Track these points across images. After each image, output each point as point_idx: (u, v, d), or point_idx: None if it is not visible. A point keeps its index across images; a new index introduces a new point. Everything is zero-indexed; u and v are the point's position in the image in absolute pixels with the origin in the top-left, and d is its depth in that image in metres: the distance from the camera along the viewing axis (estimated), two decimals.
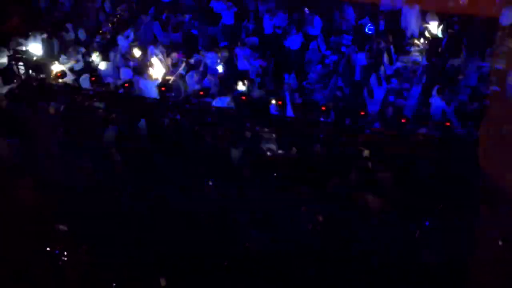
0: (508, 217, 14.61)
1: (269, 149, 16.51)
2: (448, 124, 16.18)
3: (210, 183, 16.15)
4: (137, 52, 19.31)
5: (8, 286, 14.39)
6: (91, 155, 16.63)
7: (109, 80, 18.35)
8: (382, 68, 19.07)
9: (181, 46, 20.23)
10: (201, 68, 18.97)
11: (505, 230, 14.31)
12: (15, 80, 18.27)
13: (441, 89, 17.25)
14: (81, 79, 18.39)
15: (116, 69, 18.92)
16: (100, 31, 20.64)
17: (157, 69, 18.68)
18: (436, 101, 17.28)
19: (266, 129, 16.59)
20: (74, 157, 16.67)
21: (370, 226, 14.82)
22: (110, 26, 20.87)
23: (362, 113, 16.79)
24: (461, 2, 20.56)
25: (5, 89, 17.88)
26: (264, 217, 15.25)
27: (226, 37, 20.68)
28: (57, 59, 18.93)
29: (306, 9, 20.67)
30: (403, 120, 16.59)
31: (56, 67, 18.39)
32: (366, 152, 16.07)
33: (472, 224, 14.61)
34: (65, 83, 18.04)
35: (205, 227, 15.13)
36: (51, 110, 17.33)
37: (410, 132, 16.54)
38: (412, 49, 19.83)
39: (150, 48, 19.30)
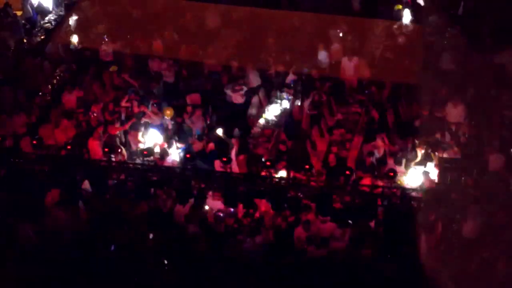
0: None
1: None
2: (391, 174, 16.37)
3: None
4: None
5: None
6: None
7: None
8: (323, 119, 19.28)
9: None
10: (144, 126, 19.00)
11: None
12: None
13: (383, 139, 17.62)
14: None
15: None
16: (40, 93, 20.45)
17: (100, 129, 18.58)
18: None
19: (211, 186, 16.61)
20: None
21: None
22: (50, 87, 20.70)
23: (307, 166, 16.89)
24: None
25: None
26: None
27: (168, 95, 20.67)
28: None
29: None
30: (347, 172, 16.76)
31: None
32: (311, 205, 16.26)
33: None
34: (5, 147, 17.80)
35: None
36: None
37: (354, 183, 16.74)
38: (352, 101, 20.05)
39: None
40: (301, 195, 16.24)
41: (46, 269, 15.53)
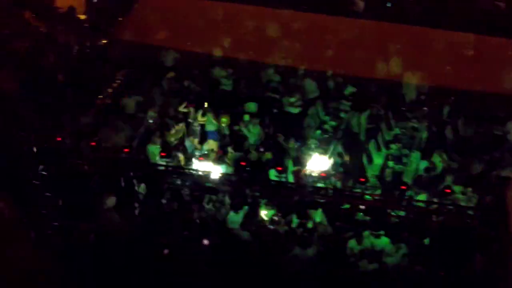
0: None
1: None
2: (448, 191, 16.18)
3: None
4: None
5: None
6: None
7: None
8: (381, 133, 19.16)
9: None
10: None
11: None
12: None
13: (441, 155, 17.42)
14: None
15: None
16: (101, 96, 20.71)
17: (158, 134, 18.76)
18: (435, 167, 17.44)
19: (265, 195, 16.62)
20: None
21: None
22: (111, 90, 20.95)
23: (362, 179, 16.80)
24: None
25: None
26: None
27: (225, 103, 20.75)
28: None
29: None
30: (402, 187, 16.62)
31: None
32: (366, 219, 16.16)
33: None
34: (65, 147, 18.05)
35: None
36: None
37: (410, 198, 16.58)
38: (411, 115, 19.85)
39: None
40: (355, 208, 16.15)
41: (100, 269, 15.82)
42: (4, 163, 17.36)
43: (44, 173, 16.88)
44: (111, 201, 16.80)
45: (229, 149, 18.33)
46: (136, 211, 17.05)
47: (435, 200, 16.39)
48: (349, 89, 20.81)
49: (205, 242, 16.33)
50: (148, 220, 16.91)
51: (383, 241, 15.89)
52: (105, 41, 22.73)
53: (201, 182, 16.89)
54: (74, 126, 19.01)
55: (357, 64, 21.36)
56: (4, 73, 20.26)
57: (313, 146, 19.03)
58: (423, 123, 19.38)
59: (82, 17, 23.78)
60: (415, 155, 18.61)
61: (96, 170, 17.26)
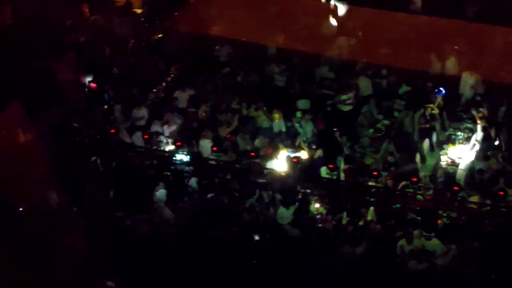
0: None
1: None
2: (501, 193, 15.91)
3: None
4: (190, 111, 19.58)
5: None
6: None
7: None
8: (435, 133, 18.95)
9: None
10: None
11: None
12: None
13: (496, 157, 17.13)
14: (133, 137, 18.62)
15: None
16: (154, 89, 20.88)
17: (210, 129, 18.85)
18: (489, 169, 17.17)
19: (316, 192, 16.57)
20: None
21: None
22: (164, 84, 21.11)
23: (414, 179, 16.63)
24: None
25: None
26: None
27: (278, 98, 20.72)
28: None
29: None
30: (455, 188, 16.40)
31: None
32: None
33: None
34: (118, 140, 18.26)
35: None
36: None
37: (462, 199, 16.35)
38: (465, 116, 19.57)
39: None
40: (407, 208, 15.99)
41: (149, 261, 16.00)
42: (58, 154, 17.70)
43: (96, 164, 17.13)
44: (161, 194, 16.97)
45: (281, 146, 18.28)
46: (186, 205, 17.14)
47: (488, 202, 16.12)
48: (403, 88, 20.56)
49: (255, 237, 16.40)
50: (198, 214, 17.02)
51: (434, 242, 15.70)
52: (160, 35, 22.90)
53: (252, 178, 16.92)
54: (127, 119, 19.25)
55: (413, 62, 21.12)
56: (62, 66, 20.59)
57: (365, 144, 18.95)
58: (478, 123, 19.03)
59: (139, 11, 24.00)
60: (469, 156, 18.32)
61: (148, 163, 17.44)
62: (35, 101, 18.76)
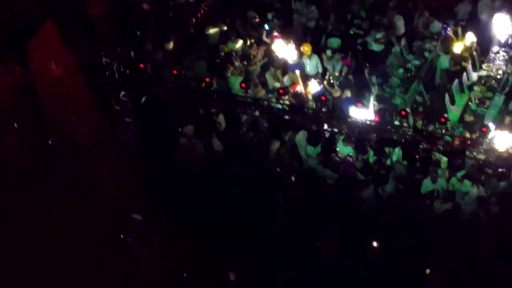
0: None
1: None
2: None
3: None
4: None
5: None
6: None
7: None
8: (465, 74, 18.76)
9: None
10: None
11: None
12: None
13: None
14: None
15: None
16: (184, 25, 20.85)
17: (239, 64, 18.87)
18: None
19: (344, 131, 16.56)
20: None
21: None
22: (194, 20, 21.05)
23: (443, 119, 16.52)
24: None
25: None
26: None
27: (308, 37, 20.58)
28: None
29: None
30: (483, 129, 16.26)
31: None
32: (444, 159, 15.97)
33: None
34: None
35: None
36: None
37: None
38: (497, 57, 19.31)
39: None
40: (434, 148, 15.93)
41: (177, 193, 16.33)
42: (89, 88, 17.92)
43: (125, 99, 17.24)
44: (189, 128, 17.09)
45: (309, 83, 18.23)
46: (214, 141, 17.26)
47: None
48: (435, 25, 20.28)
49: (281, 176, 16.53)
50: (225, 150, 17.14)
51: (462, 183, 15.72)
52: None
53: (279, 115, 16.91)
54: (156, 55, 19.27)
55: (446, 3, 20.77)
56: (91, 1, 20.60)
57: (394, 84, 18.84)
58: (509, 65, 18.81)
59: None
60: (499, 98, 18.16)
61: (177, 99, 17.50)
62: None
